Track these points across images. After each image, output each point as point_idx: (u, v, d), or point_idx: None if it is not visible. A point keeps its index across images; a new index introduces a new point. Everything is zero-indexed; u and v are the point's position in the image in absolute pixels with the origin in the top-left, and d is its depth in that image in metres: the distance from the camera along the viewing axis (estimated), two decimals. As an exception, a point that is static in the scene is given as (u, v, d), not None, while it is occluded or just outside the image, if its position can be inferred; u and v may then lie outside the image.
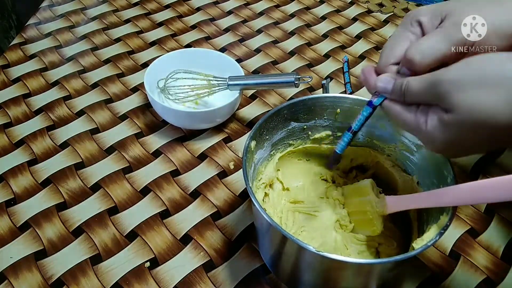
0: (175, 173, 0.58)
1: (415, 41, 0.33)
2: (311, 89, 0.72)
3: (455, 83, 0.28)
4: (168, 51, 0.76)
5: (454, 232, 0.53)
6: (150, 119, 0.65)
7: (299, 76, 0.59)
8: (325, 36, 0.84)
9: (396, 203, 0.41)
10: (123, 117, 0.65)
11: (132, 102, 0.68)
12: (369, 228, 0.44)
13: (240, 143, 0.63)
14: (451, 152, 0.32)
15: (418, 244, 0.36)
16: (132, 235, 0.51)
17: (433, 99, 0.30)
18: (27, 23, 0.83)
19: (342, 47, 0.81)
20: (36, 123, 0.64)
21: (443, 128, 0.29)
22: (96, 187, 0.56)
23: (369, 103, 0.36)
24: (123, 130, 0.64)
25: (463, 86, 0.27)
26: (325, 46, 0.81)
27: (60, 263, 0.48)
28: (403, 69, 0.33)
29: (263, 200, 0.48)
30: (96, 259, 0.49)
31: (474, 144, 0.30)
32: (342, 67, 0.76)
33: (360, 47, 0.81)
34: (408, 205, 0.40)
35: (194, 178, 0.58)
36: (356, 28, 0.86)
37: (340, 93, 0.71)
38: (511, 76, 0.26)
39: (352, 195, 0.47)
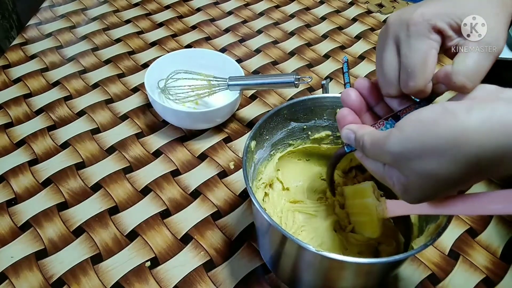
0: (176, 173, 0.58)
1: (439, 50, 0.31)
2: (311, 89, 0.72)
3: (398, 157, 0.28)
4: (168, 52, 0.77)
5: (454, 232, 0.53)
6: (150, 119, 0.66)
7: (299, 77, 0.59)
8: (325, 36, 0.84)
9: (396, 208, 0.41)
10: (124, 117, 0.66)
11: (132, 102, 0.68)
12: (368, 230, 0.44)
13: (240, 143, 0.63)
14: (425, 201, 0.31)
15: (418, 243, 0.36)
16: (132, 235, 0.51)
17: (388, 163, 0.30)
18: (28, 23, 0.83)
19: (342, 48, 0.81)
20: (37, 123, 0.64)
21: (408, 191, 0.29)
22: (96, 187, 0.56)
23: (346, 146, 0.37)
24: (123, 130, 0.64)
25: (407, 159, 0.27)
26: (324, 47, 0.81)
27: (60, 262, 0.49)
28: (442, 87, 0.31)
29: (263, 200, 0.48)
30: (96, 259, 0.49)
31: (444, 193, 0.30)
32: (342, 68, 0.76)
33: (360, 47, 0.81)
34: (408, 210, 0.40)
35: (194, 178, 0.58)
36: (356, 29, 0.86)
37: (340, 93, 0.71)
38: (447, 141, 0.25)
39: (352, 196, 0.47)
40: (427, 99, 0.33)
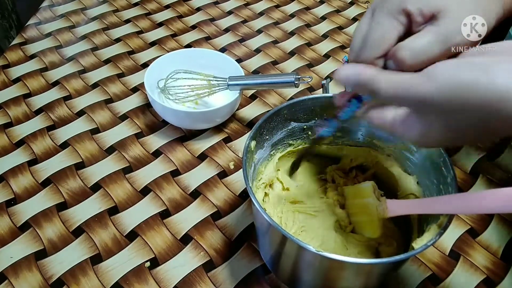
0: (175, 173, 0.58)
1: (402, 32, 0.31)
2: (311, 89, 0.72)
3: (427, 104, 0.27)
4: (168, 51, 0.76)
5: (454, 232, 0.53)
6: (150, 119, 0.65)
7: (299, 76, 0.59)
8: (325, 36, 0.84)
9: (397, 208, 0.41)
10: (123, 117, 0.66)
11: (132, 102, 0.68)
12: (368, 230, 0.44)
13: (240, 143, 0.63)
14: (443, 145, 0.31)
15: (418, 244, 0.36)
16: (132, 235, 0.51)
17: (409, 107, 0.29)
18: (27, 23, 0.83)
19: (342, 47, 0.81)
20: (36, 123, 0.64)
21: (426, 137, 0.29)
22: (96, 187, 0.56)
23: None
24: (123, 130, 0.64)
25: (430, 107, 0.27)
26: (325, 46, 0.81)
27: (60, 263, 0.48)
28: (391, 63, 0.31)
29: (263, 200, 0.48)
30: (96, 259, 0.49)
31: (464, 142, 0.30)
32: None
33: (360, 47, 0.81)
34: (409, 210, 0.40)
35: (194, 178, 0.58)
36: (356, 28, 0.86)
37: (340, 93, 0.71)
38: (479, 102, 0.25)
39: (353, 196, 0.47)
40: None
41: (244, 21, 0.86)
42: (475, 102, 0.25)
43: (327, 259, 0.34)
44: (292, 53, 0.79)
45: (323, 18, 0.88)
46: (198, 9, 0.89)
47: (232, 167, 0.59)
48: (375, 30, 0.32)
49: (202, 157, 0.61)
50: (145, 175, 0.58)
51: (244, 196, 0.56)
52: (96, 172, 0.58)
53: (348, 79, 0.32)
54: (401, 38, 0.31)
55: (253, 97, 0.70)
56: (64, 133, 0.63)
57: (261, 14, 0.89)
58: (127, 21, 0.85)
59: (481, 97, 0.25)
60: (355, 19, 0.88)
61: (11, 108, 0.66)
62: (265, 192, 0.49)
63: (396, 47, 0.31)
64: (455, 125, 0.27)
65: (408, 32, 0.32)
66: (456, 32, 0.30)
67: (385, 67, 0.32)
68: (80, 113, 0.66)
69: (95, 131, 0.63)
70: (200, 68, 0.64)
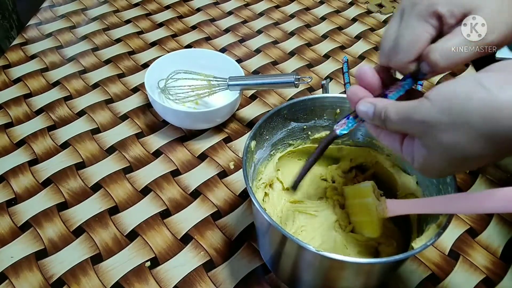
0: (176, 173, 0.58)
1: (434, 34, 0.31)
2: (311, 89, 0.72)
3: (426, 124, 0.28)
4: (168, 52, 0.77)
5: (454, 232, 0.53)
6: (150, 119, 0.66)
7: (299, 77, 0.59)
8: (324, 36, 0.84)
9: (396, 207, 0.41)
10: (124, 117, 0.66)
11: (132, 102, 0.68)
12: (368, 230, 0.44)
13: (240, 143, 0.63)
14: (443, 176, 0.32)
15: (418, 243, 0.36)
16: (132, 235, 0.51)
17: (413, 134, 0.30)
18: (28, 24, 0.83)
19: (342, 48, 0.81)
20: (37, 123, 0.64)
21: (427, 164, 0.30)
22: (96, 187, 0.56)
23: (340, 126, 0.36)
24: (123, 130, 0.64)
25: (432, 128, 0.27)
26: (324, 47, 0.81)
27: (60, 262, 0.49)
28: (425, 65, 0.31)
29: (263, 200, 0.48)
30: (96, 259, 0.49)
31: (465, 168, 0.30)
32: (342, 68, 0.76)
33: (360, 47, 0.81)
34: (409, 210, 0.40)
35: (195, 178, 0.58)
36: (356, 29, 0.86)
37: (340, 93, 0.71)
38: (480, 115, 0.25)
39: (352, 196, 0.47)
40: (413, 77, 0.33)
41: (244, 22, 0.87)
42: (474, 114, 0.25)
43: (327, 259, 0.35)
44: (292, 54, 0.79)
45: (323, 18, 0.89)
46: (198, 10, 0.89)
47: (232, 167, 0.60)
48: (406, 34, 0.32)
49: (202, 157, 0.61)
50: (145, 175, 0.58)
51: (244, 196, 0.56)
52: (97, 172, 0.58)
53: (367, 114, 0.33)
54: (433, 40, 0.31)
55: (253, 97, 0.70)
56: (64, 133, 0.63)
57: (261, 14, 0.89)
58: (128, 21, 0.85)
59: (480, 108, 0.25)
60: (354, 20, 0.88)
61: (11, 108, 0.66)
62: (265, 192, 0.49)
63: (429, 49, 0.31)
64: (458, 147, 0.27)
65: (440, 34, 0.32)
66: (487, 31, 0.30)
67: (418, 70, 0.32)
68: (81, 113, 0.66)
69: (96, 131, 0.63)
70: (200, 68, 0.64)
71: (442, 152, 0.28)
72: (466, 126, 0.26)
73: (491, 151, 0.26)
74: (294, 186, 0.41)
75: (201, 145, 0.62)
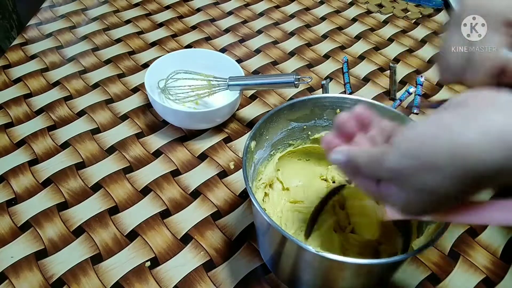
0: (176, 173, 0.58)
1: (511, 45, 0.30)
2: (311, 89, 0.72)
3: (395, 171, 0.27)
4: (168, 52, 0.77)
5: (454, 232, 0.53)
6: (150, 119, 0.66)
7: (299, 77, 0.59)
8: (324, 36, 0.84)
9: (395, 212, 0.41)
10: (124, 117, 0.66)
11: (132, 102, 0.68)
12: (368, 231, 0.44)
13: (240, 143, 0.63)
14: (425, 216, 0.30)
15: (418, 244, 0.36)
16: (132, 235, 0.51)
17: (385, 179, 0.29)
18: (28, 24, 0.83)
19: (342, 48, 0.81)
20: (37, 123, 0.64)
21: (407, 205, 0.29)
22: (96, 187, 0.56)
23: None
24: (123, 130, 0.64)
25: (406, 175, 0.27)
26: (324, 47, 0.81)
27: (60, 262, 0.49)
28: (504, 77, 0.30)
29: (263, 200, 0.48)
30: (96, 259, 0.49)
31: (445, 206, 0.29)
32: (342, 68, 0.76)
33: (360, 47, 0.81)
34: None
35: (195, 178, 0.58)
36: (356, 29, 0.86)
37: (340, 93, 0.71)
38: (447, 155, 0.24)
39: (353, 197, 0.47)
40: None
41: (244, 22, 0.87)
42: (443, 155, 0.24)
43: (327, 260, 0.35)
44: (292, 54, 0.79)
45: (323, 18, 0.88)
46: (199, 10, 0.89)
47: (232, 167, 0.60)
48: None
49: (202, 157, 0.61)
50: (145, 175, 0.58)
51: (244, 196, 0.56)
52: (97, 172, 0.58)
53: (340, 163, 0.33)
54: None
55: (253, 97, 0.70)
56: (64, 133, 0.63)
57: (261, 14, 0.89)
58: (128, 21, 0.85)
59: (448, 148, 0.24)
60: (354, 20, 0.88)
61: (11, 108, 0.66)
62: (265, 192, 0.49)
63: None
64: (432, 189, 0.26)
65: None
66: None
67: (498, 85, 0.30)
68: (81, 113, 0.66)
69: (96, 131, 0.63)
70: (200, 68, 0.64)
71: (417, 195, 0.27)
72: (434, 168, 0.25)
73: (466, 189, 0.25)
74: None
75: (201, 145, 0.62)
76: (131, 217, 0.53)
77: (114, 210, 0.54)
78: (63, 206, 0.54)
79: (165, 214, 0.54)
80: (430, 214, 0.29)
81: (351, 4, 0.93)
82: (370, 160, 0.30)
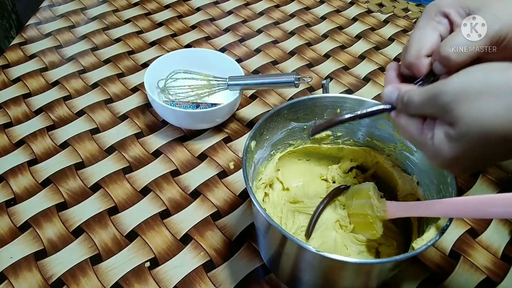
0: (175, 173, 0.58)
1: (444, 32, 0.33)
2: (311, 89, 0.72)
3: (457, 94, 0.26)
4: (168, 51, 0.76)
5: (454, 232, 0.53)
6: (150, 119, 0.65)
7: (299, 76, 0.59)
8: (325, 36, 0.84)
9: (396, 210, 0.41)
10: (123, 117, 0.66)
11: (132, 102, 0.68)
12: (368, 231, 0.44)
13: (240, 143, 0.63)
14: (460, 167, 0.29)
15: (418, 244, 0.36)
16: (132, 235, 0.51)
17: (436, 112, 0.28)
18: (27, 23, 0.83)
19: (342, 47, 0.81)
20: (36, 123, 0.64)
21: (450, 144, 0.27)
22: (96, 187, 0.56)
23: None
24: (123, 130, 0.64)
25: (465, 98, 0.26)
26: (325, 46, 0.81)
27: (60, 263, 0.48)
28: (437, 65, 0.32)
29: (263, 200, 0.48)
30: (96, 259, 0.49)
31: (484, 158, 0.28)
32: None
33: (360, 47, 0.81)
34: (409, 212, 0.40)
35: (194, 178, 0.58)
36: (356, 28, 0.86)
37: (340, 93, 0.71)
38: None
39: (353, 197, 0.47)
40: (427, 79, 0.33)
41: (244, 21, 0.86)
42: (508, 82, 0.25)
43: (327, 259, 0.34)
44: (292, 53, 0.79)
45: (323, 18, 0.88)
46: (198, 9, 0.89)
47: (232, 167, 0.59)
48: (416, 34, 0.33)
49: (202, 157, 0.61)
50: (145, 175, 0.58)
51: (244, 196, 0.56)
52: (96, 172, 0.58)
53: (390, 96, 0.33)
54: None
55: (253, 97, 0.70)
56: (64, 133, 0.63)
57: (261, 14, 0.89)
58: (127, 21, 0.85)
59: (507, 77, 0.25)
60: (355, 19, 0.88)
61: (11, 108, 0.66)
62: (265, 192, 0.49)
63: (439, 46, 0.31)
64: (491, 121, 0.25)
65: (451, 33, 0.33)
66: (492, 22, 0.30)
67: (430, 72, 0.33)
68: (80, 113, 0.66)
69: (95, 131, 0.63)
70: (200, 68, 0.64)
71: (468, 124, 0.26)
72: (499, 93, 0.24)
73: None
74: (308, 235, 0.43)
75: (201, 145, 0.62)
76: (131, 218, 0.53)
77: (113, 210, 0.54)
78: (62, 206, 0.54)
79: (164, 214, 0.54)
80: (468, 162, 0.28)
81: (351, 3, 0.93)
82: (426, 90, 0.29)
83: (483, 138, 0.26)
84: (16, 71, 0.72)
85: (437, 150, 0.29)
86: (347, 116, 0.35)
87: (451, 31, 0.33)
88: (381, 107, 0.34)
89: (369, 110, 0.35)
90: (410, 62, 0.33)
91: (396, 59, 0.78)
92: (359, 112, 0.35)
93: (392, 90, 0.33)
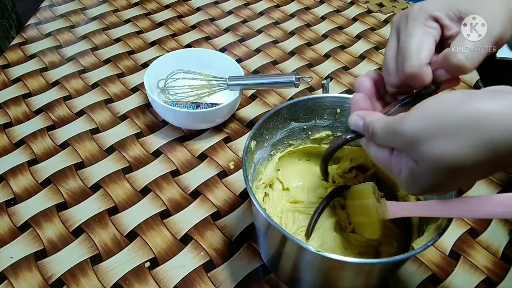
0: (175, 173, 0.58)
1: (437, 37, 0.31)
2: (311, 89, 0.72)
3: (416, 135, 0.26)
4: (168, 51, 0.76)
5: (454, 232, 0.53)
6: (150, 119, 0.65)
7: (299, 76, 0.59)
8: (325, 36, 0.84)
9: (396, 210, 0.41)
10: (123, 117, 0.66)
11: (132, 102, 0.68)
12: (368, 231, 0.44)
13: (240, 143, 0.63)
14: (435, 193, 0.30)
15: (418, 244, 0.36)
16: (132, 235, 0.51)
17: (400, 148, 0.29)
18: (27, 23, 0.83)
19: (342, 47, 0.81)
20: (36, 123, 0.64)
21: (418, 178, 0.28)
22: (96, 187, 0.56)
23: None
24: (123, 130, 0.64)
25: (424, 139, 0.26)
26: (325, 46, 0.81)
27: (60, 263, 0.48)
28: (441, 73, 0.31)
29: (263, 200, 0.48)
30: (96, 259, 0.49)
31: (457, 184, 0.29)
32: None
33: (360, 47, 0.81)
34: (409, 212, 0.40)
35: (194, 178, 0.58)
36: (356, 28, 0.86)
37: (340, 93, 0.71)
38: (469, 121, 0.24)
39: (353, 197, 0.47)
40: (428, 89, 0.33)
41: (244, 21, 0.86)
42: (469, 119, 0.24)
43: (327, 259, 0.34)
44: (292, 53, 0.79)
45: (323, 18, 0.88)
46: (198, 9, 0.89)
47: (232, 167, 0.59)
48: (409, 40, 0.31)
49: (202, 157, 0.61)
50: (145, 175, 0.58)
51: (244, 196, 0.56)
52: (96, 172, 0.58)
53: (357, 125, 0.33)
54: (437, 46, 0.32)
55: (253, 97, 0.70)
56: (64, 133, 0.63)
57: (261, 14, 0.89)
58: (127, 21, 0.85)
59: (470, 114, 0.24)
60: (355, 19, 0.88)
61: (11, 108, 0.66)
62: (265, 192, 0.49)
63: (447, 55, 0.30)
64: (449, 157, 0.25)
65: (441, 38, 0.32)
66: (493, 24, 0.30)
67: (435, 79, 0.32)
68: (80, 113, 0.66)
69: (95, 131, 0.63)
70: (200, 68, 0.64)
71: (429, 163, 0.26)
72: (454, 132, 0.25)
73: (478, 162, 0.25)
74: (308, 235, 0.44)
75: (201, 145, 0.62)
76: (131, 218, 0.53)
77: (113, 210, 0.54)
78: (62, 206, 0.54)
79: (164, 214, 0.54)
80: (437, 191, 0.29)
81: (351, 3, 0.93)
82: (387, 125, 0.29)
83: (448, 172, 0.26)
84: (16, 71, 0.72)
85: (407, 184, 0.29)
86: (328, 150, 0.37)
87: (442, 35, 0.32)
88: (353, 135, 0.34)
89: (344, 138, 0.35)
90: (413, 73, 0.31)
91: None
92: (335, 144, 0.36)
93: (357, 119, 0.33)
